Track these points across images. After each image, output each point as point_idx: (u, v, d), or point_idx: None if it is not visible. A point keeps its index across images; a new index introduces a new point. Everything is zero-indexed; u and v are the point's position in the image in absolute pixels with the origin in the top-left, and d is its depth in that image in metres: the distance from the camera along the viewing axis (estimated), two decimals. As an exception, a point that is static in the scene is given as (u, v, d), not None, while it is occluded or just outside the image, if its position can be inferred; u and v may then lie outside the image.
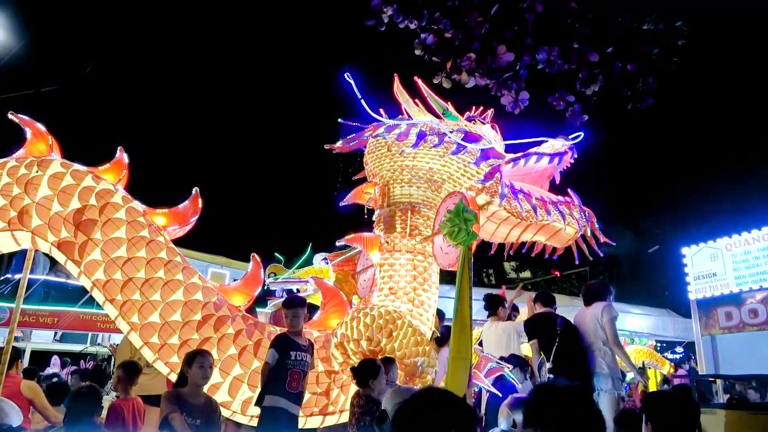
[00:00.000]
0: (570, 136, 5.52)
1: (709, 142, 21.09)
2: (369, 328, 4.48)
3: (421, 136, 5.27)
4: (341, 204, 5.73)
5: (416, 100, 5.74)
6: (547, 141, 5.60)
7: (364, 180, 5.99)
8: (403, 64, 5.61)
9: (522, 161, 5.57)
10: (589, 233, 5.55)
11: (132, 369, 4.72)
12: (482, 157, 5.39)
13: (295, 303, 4.38)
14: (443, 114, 5.76)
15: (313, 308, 6.25)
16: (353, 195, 5.77)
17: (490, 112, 5.92)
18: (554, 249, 5.84)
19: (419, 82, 5.72)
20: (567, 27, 3.87)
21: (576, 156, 5.66)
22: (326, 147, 5.77)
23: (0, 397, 3.40)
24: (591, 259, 5.69)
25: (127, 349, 5.66)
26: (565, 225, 5.40)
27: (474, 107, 5.95)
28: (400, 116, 5.66)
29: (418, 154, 5.36)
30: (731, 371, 9.03)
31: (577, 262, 5.72)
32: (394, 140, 5.37)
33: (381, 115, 5.58)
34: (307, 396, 4.52)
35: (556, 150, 5.54)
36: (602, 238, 5.63)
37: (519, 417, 3.19)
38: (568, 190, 5.75)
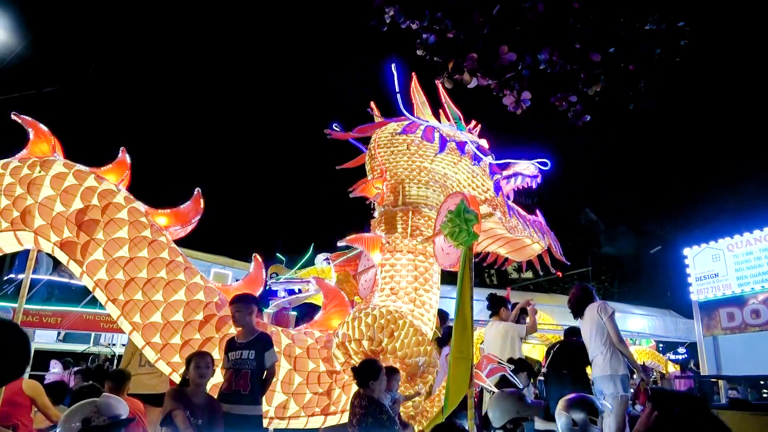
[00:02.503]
0: (537, 161, 5.85)
1: (711, 143, 21.06)
2: (370, 328, 4.48)
3: (444, 142, 5.32)
4: (351, 195, 5.67)
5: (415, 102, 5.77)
6: (519, 163, 5.87)
7: (353, 170, 5.98)
8: (404, 64, 5.62)
9: (512, 180, 5.81)
10: (558, 252, 5.86)
11: (119, 377, 4.84)
12: (492, 171, 5.59)
13: (234, 300, 4.23)
14: (455, 122, 5.81)
15: (314, 309, 6.24)
16: (363, 188, 5.64)
17: (478, 127, 6.02)
18: (506, 260, 6.17)
19: (440, 86, 5.69)
20: (569, 27, 3.87)
21: (540, 182, 5.98)
22: (326, 131, 5.76)
23: (106, 393, 3.48)
24: (541, 273, 6.17)
25: (130, 348, 5.72)
26: (543, 242, 5.69)
27: (473, 120, 6.05)
28: (416, 117, 5.69)
29: (436, 158, 5.42)
30: (733, 372, 9.02)
31: (522, 274, 6.19)
32: (420, 140, 5.39)
33: (412, 113, 5.59)
34: (308, 396, 4.53)
35: (532, 173, 5.85)
36: (562, 259, 5.93)
37: (577, 416, 3.21)
38: (537, 210, 6.00)
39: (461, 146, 5.46)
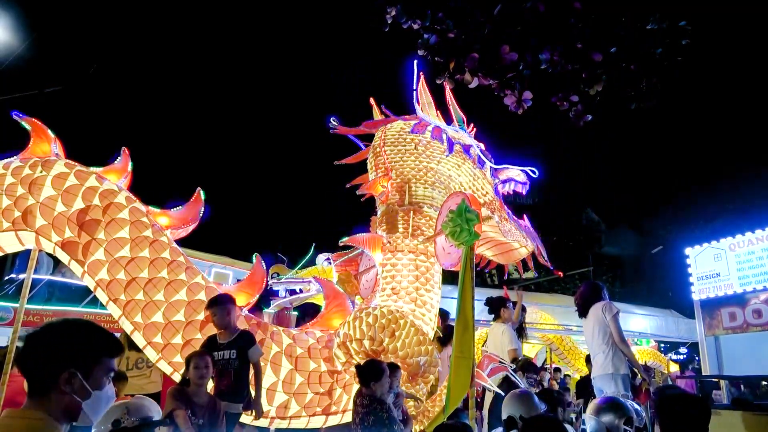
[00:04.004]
0: (527, 168, 5.89)
1: (713, 143, 21.04)
2: (371, 327, 4.48)
3: (451, 143, 5.34)
4: (358, 192, 5.65)
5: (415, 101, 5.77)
6: (511, 168, 5.89)
7: (351, 166, 5.98)
8: (405, 64, 5.63)
9: (506, 185, 5.86)
10: (544, 258, 5.83)
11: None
12: (493, 174, 5.66)
13: (210, 303, 4.22)
14: (458, 124, 5.82)
15: (315, 308, 6.23)
16: (369, 186, 5.59)
17: (474, 130, 6.04)
18: (489, 262, 6.21)
19: (447, 88, 5.67)
20: (570, 27, 3.86)
21: (528, 190, 6.01)
22: (329, 126, 5.75)
23: (140, 395, 3.48)
24: (523, 277, 6.13)
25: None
26: (529, 246, 5.68)
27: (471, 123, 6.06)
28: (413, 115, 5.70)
29: (442, 160, 5.44)
30: (735, 372, 9.00)
31: (505, 277, 6.12)
32: (428, 140, 5.40)
33: (422, 112, 5.59)
34: (310, 395, 4.53)
35: (522, 180, 5.90)
36: (547, 264, 5.92)
37: (607, 418, 3.21)
38: (524, 215, 5.98)
39: (467, 149, 5.50)
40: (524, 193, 5.98)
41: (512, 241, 5.57)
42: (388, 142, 5.63)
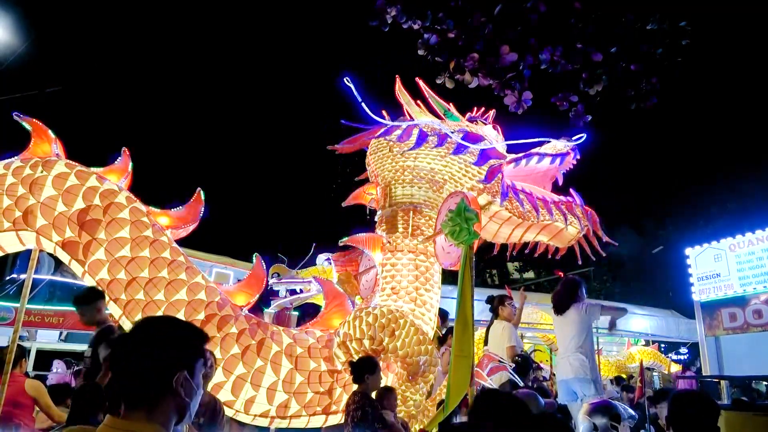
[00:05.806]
0: (573, 138, 5.56)
1: (713, 143, 21.03)
2: (371, 327, 4.49)
3: (423, 137, 5.27)
4: (343, 205, 5.73)
5: (418, 101, 5.74)
6: (549, 141, 5.60)
7: (366, 181, 6.00)
8: (406, 64, 5.62)
9: (523, 161, 5.59)
10: (591, 233, 5.55)
11: None
12: (483, 157, 5.40)
13: (75, 302, 4.25)
14: (444, 115, 5.76)
15: (316, 308, 6.24)
16: (355, 196, 5.76)
17: (491, 112, 5.92)
18: (557, 249, 5.85)
19: (420, 83, 5.71)
20: (570, 27, 3.87)
21: (579, 157, 5.67)
22: (329, 147, 5.78)
23: None
24: (594, 258, 5.69)
25: None
26: (567, 225, 5.41)
27: (476, 108, 5.95)
28: (401, 117, 5.66)
29: (419, 155, 5.37)
30: (735, 372, 9.00)
31: (579, 262, 5.75)
32: (396, 141, 5.37)
33: (383, 117, 5.58)
34: (310, 395, 4.53)
35: (558, 151, 5.56)
36: (605, 238, 5.62)
37: (599, 420, 3.24)
38: (570, 190, 5.77)
39: (442, 139, 5.35)
40: (568, 164, 5.62)
41: (554, 222, 5.36)
42: (371, 151, 5.69)
